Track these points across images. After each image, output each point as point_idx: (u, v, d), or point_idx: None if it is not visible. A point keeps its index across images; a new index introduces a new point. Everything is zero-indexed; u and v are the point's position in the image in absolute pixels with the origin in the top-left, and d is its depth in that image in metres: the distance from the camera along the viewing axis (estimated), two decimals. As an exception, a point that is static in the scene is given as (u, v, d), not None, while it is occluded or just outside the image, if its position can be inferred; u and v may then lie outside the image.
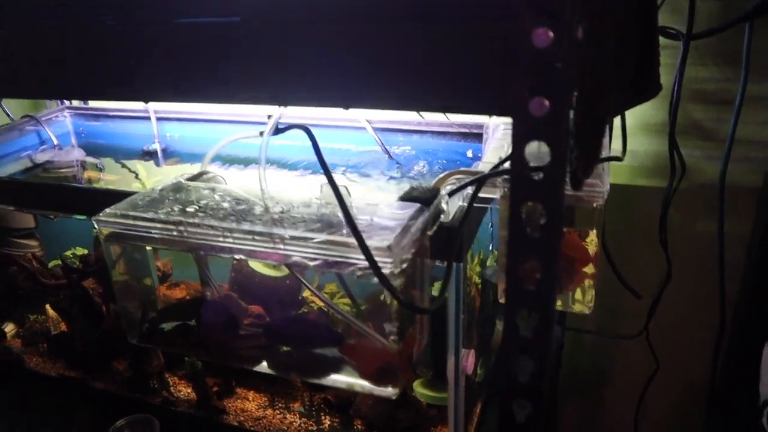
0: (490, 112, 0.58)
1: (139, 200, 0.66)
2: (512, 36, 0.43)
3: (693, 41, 0.92)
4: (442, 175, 0.71)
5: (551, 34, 0.42)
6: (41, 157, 1.14)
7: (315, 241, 0.55)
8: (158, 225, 0.60)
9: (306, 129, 0.63)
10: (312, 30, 0.49)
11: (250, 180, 0.96)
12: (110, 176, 1.06)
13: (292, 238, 0.56)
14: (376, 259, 0.53)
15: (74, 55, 0.60)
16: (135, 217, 0.61)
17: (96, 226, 0.63)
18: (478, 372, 0.92)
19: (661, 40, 0.73)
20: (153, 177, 1.02)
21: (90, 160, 1.11)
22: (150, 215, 0.61)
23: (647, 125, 1.09)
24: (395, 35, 0.47)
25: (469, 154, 1.01)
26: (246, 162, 1.04)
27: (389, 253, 0.53)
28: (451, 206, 0.69)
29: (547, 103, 0.44)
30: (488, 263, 0.97)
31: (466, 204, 0.68)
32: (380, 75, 0.48)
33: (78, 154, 1.14)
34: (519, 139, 0.45)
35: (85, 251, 1.05)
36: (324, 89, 0.50)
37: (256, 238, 0.57)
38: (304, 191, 0.92)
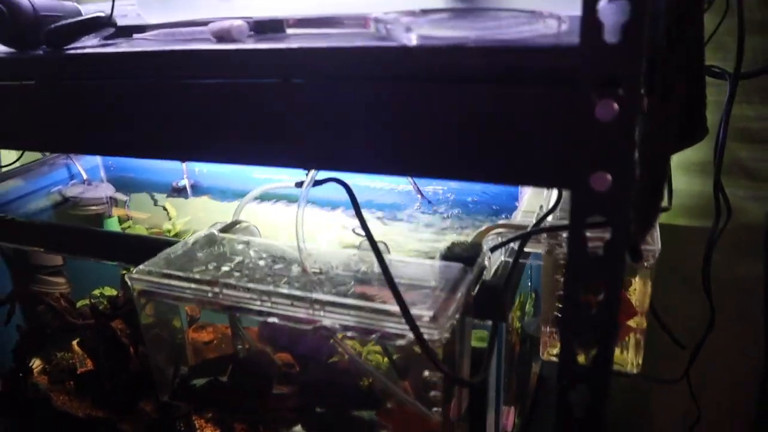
0: (546, 184, 0.56)
1: (172, 254, 0.64)
2: (572, 106, 0.41)
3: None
4: (482, 229, 0.68)
5: (616, 106, 0.40)
6: (71, 192, 1.14)
7: (355, 307, 0.53)
8: (193, 285, 0.58)
9: (345, 185, 0.60)
10: (357, 92, 0.47)
11: (283, 219, 0.94)
12: (140, 214, 1.06)
13: (332, 304, 0.54)
14: (421, 330, 0.50)
15: (107, 112, 0.58)
16: (169, 276, 0.60)
17: (129, 283, 0.61)
18: (515, 422, 0.89)
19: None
20: (183, 216, 1.01)
21: (119, 196, 1.11)
22: (184, 274, 0.59)
23: (688, 164, 1.06)
24: (446, 100, 0.45)
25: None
26: (279, 197, 1.03)
27: (435, 324, 0.51)
28: (493, 258, 0.66)
29: (609, 177, 0.41)
30: (527, 308, 0.94)
31: (506, 258, 0.66)
32: (430, 142, 0.46)
33: (107, 190, 1.14)
34: (578, 215, 0.43)
35: (114, 291, 1.04)
36: (370, 155, 0.48)
37: (295, 303, 0.55)
38: (336, 234, 0.91)
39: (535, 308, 0.93)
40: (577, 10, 0.45)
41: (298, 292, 0.55)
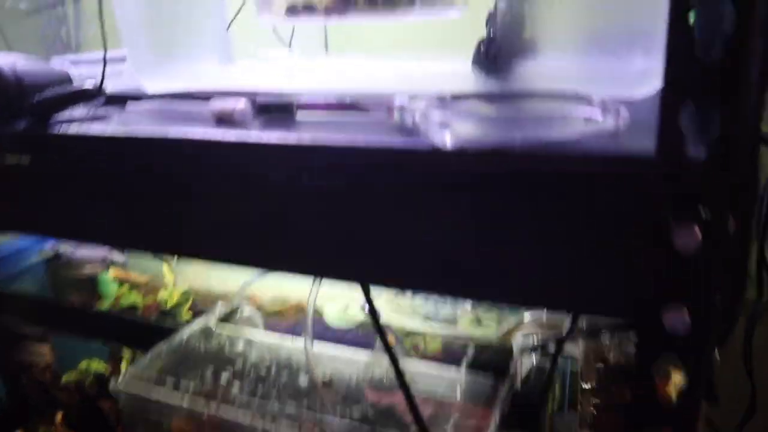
0: (611, 315, 0.48)
1: (165, 353, 0.57)
2: (644, 227, 0.34)
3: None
4: (510, 328, 0.61)
5: (699, 235, 0.32)
6: (64, 249, 1.07)
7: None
8: (186, 398, 0.51)
9: (362, 285, 0.53)
10: (376, 197, 0.41)
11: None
12: (136, 276, 0.98)
13: (346, 432, 0.46)
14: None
15: (91, 196, 0.52)
16: (161, 382, 0.52)
17: (115, 394, 0.54)
18: None
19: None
20: (182, 279, 0.94)
21: (116, 258, 1.04)
22: (176, 390, 0.51)
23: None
24: (485, 213, 0.38)
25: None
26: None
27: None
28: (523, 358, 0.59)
29: (687, 316, 0.34)
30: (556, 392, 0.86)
31: (537, 361, 0.58)
32: (464, 261, 0.39)
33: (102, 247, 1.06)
34: (647, 359, 0.35)
35: (102, 365, 0.96)
36: (393, 269, 0.41)
37: (303, 426, 0.47)
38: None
39: (561, 394, 0.86)
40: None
41: (305, 414, 0.47)
